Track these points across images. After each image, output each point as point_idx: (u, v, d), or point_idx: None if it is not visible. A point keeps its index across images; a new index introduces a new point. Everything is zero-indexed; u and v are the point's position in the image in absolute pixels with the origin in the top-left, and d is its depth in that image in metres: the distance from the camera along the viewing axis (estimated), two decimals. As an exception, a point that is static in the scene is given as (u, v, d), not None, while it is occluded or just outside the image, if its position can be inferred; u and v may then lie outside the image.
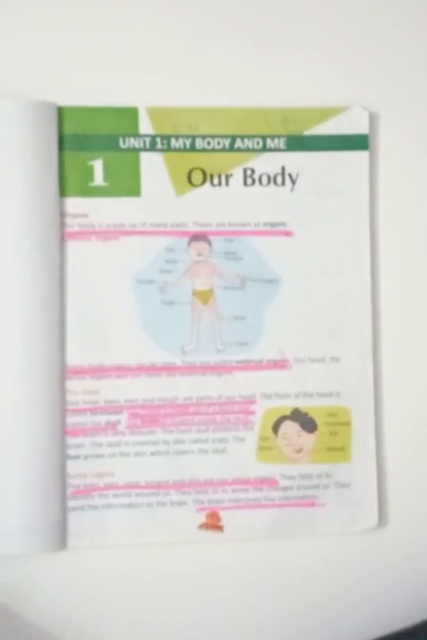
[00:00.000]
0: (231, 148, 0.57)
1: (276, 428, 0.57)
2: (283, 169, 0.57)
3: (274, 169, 0.57)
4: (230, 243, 0.57)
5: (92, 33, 0.56)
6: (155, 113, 0.56)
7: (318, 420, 0.57)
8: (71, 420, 0.55)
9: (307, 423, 0.57)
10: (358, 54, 0.58)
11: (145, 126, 0.56)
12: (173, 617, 0.57)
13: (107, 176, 0.56)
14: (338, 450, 0.57)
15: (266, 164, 0.57)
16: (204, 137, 0.57)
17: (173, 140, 0.56)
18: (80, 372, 0.56)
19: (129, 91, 0.56)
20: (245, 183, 0.57)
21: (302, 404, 0.57)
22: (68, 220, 0.56)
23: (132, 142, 0.56)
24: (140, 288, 0.56)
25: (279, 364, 0.57)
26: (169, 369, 0.56)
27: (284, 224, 0.57)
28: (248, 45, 0.57)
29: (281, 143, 0.57)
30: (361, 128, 0.57)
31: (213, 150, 0.57)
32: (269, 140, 0.57)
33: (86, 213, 0.56)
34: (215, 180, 0.57)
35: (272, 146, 0.57)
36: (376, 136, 0.58)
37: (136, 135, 0.56)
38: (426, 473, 0.59)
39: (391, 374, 0.58)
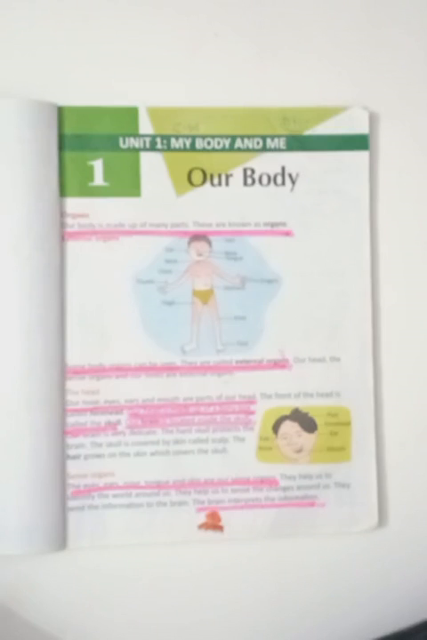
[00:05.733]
0: (231, 148, 0.57)
1: (276, 427, 0.57)
2: (283, 169, 0.57)
3: (274, 169, 0.57)
4: (230, 243, 0.57)
5: (93, 33, 0.56)
6: (155, 113, 0.56)
7: (318, 420, 0.57)
8: (71, 419, 0.55)
9: (307, 423, 0.57)
10: (358, 54, 0.58)
11: (145, 126, 0.56)
12: (173, 617, 0.57)
13: (107, 176, 0.56)
14: (338, 450, 0.57)
15: (266, 164, 0.57)
16: (204, 137, 0.57)
17: (173, 140, 0.56)
18: (80, 372, 0.56)
19: (129, 91, 0.56)
20: (245, 183, 0.57)
21: (302, 404, 0.57)
22: (68, 220, 0.56)
23: (132, 142, 0.56)
24: (140, 288, 0.56)
25: (279, 364, 0.57)
26: (169, 369, 0.56)
27: (284, 224, 0.57)
28: (248, 45, 0.57)
29: (281, 143, 0.57)
30: (361, 128, 0.57)
31: (213, 150, 0.57)
32: (269, 140, 0.57)
33: (86, 213, 0.56)
34: (215, 180, 0.57)
35: (272, 146, 0.57)
36: (376, 136, 0.58)
37: (136, 135, 0.56)
38: (426, 473, 0.59)
39: (391, 374, 0.58)
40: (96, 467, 0.56)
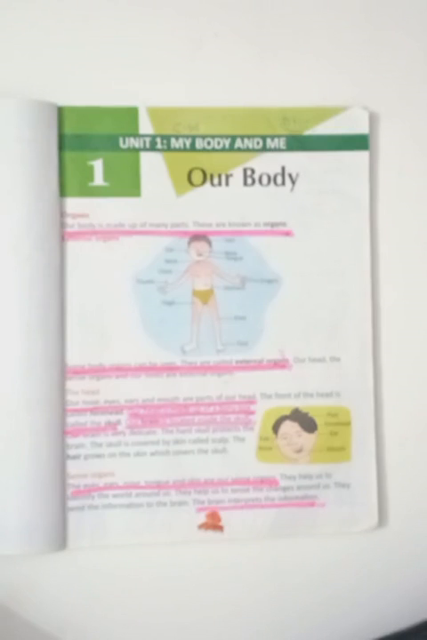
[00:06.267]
0: (231, 148, 0.57)
1: (276, 427, 0.57)
2: (283, 169, 0.57)
3: (274, 169, 0.57)
4: (230, 243, 0.57)
5: (93, 33, 0.56)
6: (155, 113, 0.56)
7: (318, 420, 0.57)
8: (71, 419, 0.55)
9: (307, 423, 0.57)
10: (358, 54, 0.58)
11: (145, 126, 0.56)
12: (172, 617, 0.57)
13: (107, 176, 0.56)
14: (338, 450, 0.57)
15: (266, 164, 0.57)
16: (204, 137, 0.57)
17: (173, 140, 0.56)
18: (80, 372, 0.56)
19: (129, 91, 0.56)
20: (245, 183, 0.57)
21: (302, 404, 0.57)
22: (68, 220, 0.56)
23: (132, 142, 0.56)
24: (140, 288, 0.56)
25: (279, 364, 0.57)
26: (169, 369, 0.56)
27: (284, 224, 0.57)
28: (248, 45, 0.57)
29: (281, 143, 0.57)
30: (361, 128, 0.57)
31: (213, 150, 0.57)
32: (269, 140, 0.57)
33: (86, 213, 0.56)
34: (215, 180, 0.57)
35: (272, 146, 0.57)
36: (376, 136, 0.58)
37: (136, 135, 0.56)
38: (426, 473, 0.59)
39: (391, 374, 0.58)
40: (96, 467, 0.56)
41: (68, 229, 0.56)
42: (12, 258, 0.54)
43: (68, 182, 0.56)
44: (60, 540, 0.55)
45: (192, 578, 0.57)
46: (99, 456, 0.56)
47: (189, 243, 0.57)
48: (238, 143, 0.57)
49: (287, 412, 0.57)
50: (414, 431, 0.58)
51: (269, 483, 0.57)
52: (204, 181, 0.57)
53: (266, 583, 0.57)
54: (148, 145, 0.56)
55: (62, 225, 0.56)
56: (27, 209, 0.54)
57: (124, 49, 0.56)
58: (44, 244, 0.54)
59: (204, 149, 0.57)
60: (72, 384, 0.55)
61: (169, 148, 0.56)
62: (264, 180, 0.57)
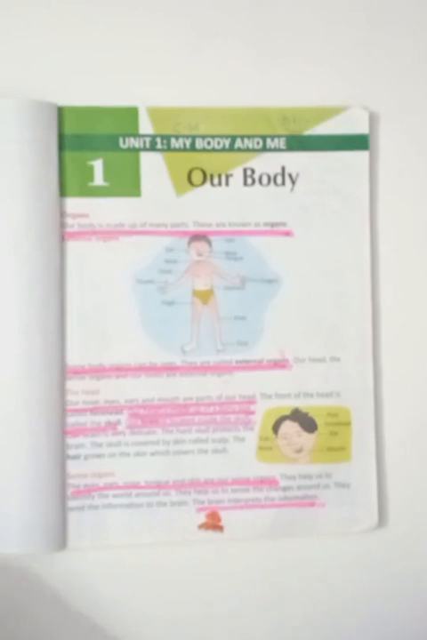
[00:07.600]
0: (231, 148, 0.57)
1: (276, 427, 0.57)
2: (283, 169, 0.57)
3: (274, 169, 0.57)
4: (230, 243, 0.57)
5: (93, 33, 0.56)
6: (155, 113, 0.56)
7: (318, 420, 0.57)
8: (71, 420, 0.55)
9: (307, 423, 0.57)
10: (358, 54, 0.58)
11: (145, 126, 0.56)
12: (173, 617, 0.57)
13: (107, 176, 0.56)
14: (338, 450, 0.57)
15: (266, 164, 0.57)
16: (204, 137, 0.57)
17: (173, 140, 0.56)
18: (80, 372, 0.56)
19: (129, 91, 0.56)
20: (245, 183, 0.57)
21: (302, 404, 0.57)
22: (68, 220, 0.56)
23: (132, 142, 0.56)
24: (140, 288, 0.56)
25: (279, 364, 0.57)
26: (169, 369, 0.56)
27: (284, 224, 0.57)
28: (248, 45, 0.57)
29: (281, 143, 0.57)
30: (361, 128, 0.57)
31: (213, 150, 0.57)
32: (269, 140, 0.57)
33: (86, 213, 0.56)
34: (215, 180, 0.57)
35: (272, 146, 0.57)
36: (376, 136, 0.58)
37: (136, 135, 0.56)
38: (426, 473, 0.59)
39: (391, 374, 0.58)
40: (96, 467, 0.56)
41: (68, 229, 0.56)
42: (12, 258, 0.54)
43: (68, 182, 0.56)
44: (60, 540, 0.55)
45: (192, 578, 0.57)
46: (99, 456, 0.56)
47: (189, 243, 0.57)
48: (238, 143, 0.57)
49: (287, 412, 0.57)
50: (415, 431, 0.58)
51: (269, 483, 0.57)
52: (204, 181, 0.57)
53: (266, 583, 0.57)
54: (148, 145, 0.56)
55: (62, 225, 0.56)
56: (26, 209, 0.54)
57: (124, 49, 0.56)
58: (44, 244, 0.54)
59: (204, 149, 0.57)
60: (72, 384, 0.56)
61: (169, 148, 0.56)
62: (264, 180, 0.57)
